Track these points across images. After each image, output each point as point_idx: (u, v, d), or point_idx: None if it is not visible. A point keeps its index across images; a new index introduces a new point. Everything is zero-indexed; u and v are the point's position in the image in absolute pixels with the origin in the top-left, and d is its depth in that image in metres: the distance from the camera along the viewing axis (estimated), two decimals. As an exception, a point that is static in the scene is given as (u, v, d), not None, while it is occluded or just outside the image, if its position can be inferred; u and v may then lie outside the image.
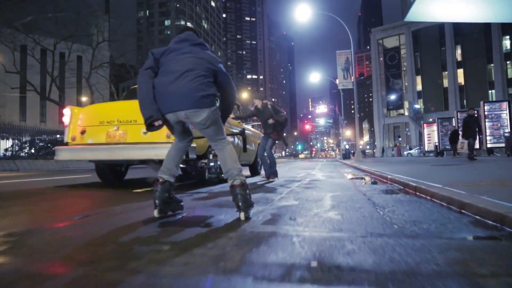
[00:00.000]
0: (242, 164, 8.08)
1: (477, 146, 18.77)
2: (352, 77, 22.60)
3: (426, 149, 25.61)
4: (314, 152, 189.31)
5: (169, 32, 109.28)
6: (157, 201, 2.85)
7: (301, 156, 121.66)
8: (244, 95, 60.11)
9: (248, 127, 9.13)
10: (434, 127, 24.04)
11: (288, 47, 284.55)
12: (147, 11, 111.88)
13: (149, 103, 2.75)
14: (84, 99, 41.59)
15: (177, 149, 3.06)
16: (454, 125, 19.95)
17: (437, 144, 22.36)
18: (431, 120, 43.47)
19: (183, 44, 2.98)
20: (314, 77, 40.31)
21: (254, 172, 9.40)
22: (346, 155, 36.08)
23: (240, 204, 2.78)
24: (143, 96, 2.79)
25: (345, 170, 12.31)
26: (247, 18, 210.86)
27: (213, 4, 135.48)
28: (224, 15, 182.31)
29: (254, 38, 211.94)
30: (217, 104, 2.97)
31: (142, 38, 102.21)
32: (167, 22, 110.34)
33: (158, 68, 2.91)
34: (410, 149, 45.16)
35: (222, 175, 3.15)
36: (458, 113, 19.18)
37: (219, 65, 3.00)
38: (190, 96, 2.74)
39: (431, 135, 24.66)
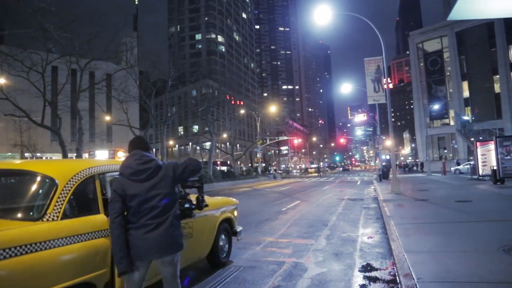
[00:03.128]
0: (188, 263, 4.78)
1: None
2: (385, 86, 18.66)
3: (481, 172, 20.98)
4: (353, 163, 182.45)
5: (200, 46, 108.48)
6: None
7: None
8: (274, 108, 56.64)
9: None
10: (491, 146, 19.50)
11: (324, 55, 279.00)
12: (178, 26, 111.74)
13: (124, 257, 2.92)
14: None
15: None
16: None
17: (495, 168, 17.89)
18: (476, 127, 38.19)
19: (145, 185, 2.99)
20: (346, 88, 36.59)
21: (215, 261, 5.69)
22: (384, 175, 31.70)
23: None
24: (118, 250, 2.92)
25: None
26: (281, 28, 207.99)
27: (244, 16, 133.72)
28: (257, 26, 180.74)
29: (288, 48, 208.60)
30: None
31: (174, 53, 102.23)
32: (198, 36, 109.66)
33: (127, 207, 2.99)
34: (458, 164, 39.87)
35: None
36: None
37: (176, 173, 3.10)
38: (171, 243, 3.00)
39: (487, 156, 20.08)
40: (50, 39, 23.05)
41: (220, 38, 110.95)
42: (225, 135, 60.60)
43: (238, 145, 78.46)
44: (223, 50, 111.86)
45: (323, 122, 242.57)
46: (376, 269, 5.38)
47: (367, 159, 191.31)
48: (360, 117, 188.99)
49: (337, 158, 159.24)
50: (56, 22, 21.22)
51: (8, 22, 22.72)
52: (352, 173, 74.24)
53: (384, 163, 36.71)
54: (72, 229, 3.11)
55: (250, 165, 65.91)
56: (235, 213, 6.41)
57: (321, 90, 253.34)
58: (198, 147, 69.34)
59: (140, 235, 2.95)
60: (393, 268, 5.31)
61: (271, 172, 63.48)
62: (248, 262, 5.97)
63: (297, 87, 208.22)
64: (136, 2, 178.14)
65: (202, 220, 5.08)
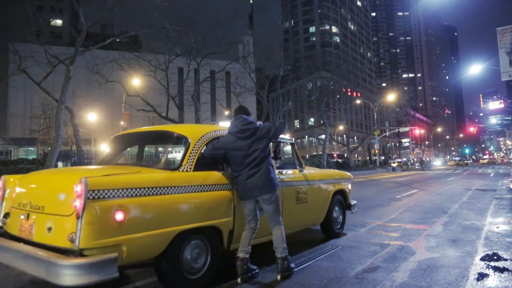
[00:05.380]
0: (291, 231, 5.05)
1: None
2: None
3: None
4: (488, 156, 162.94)
5: (314, 39, 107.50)
6: (239, 271, 3.75)
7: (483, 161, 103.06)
8: (392, 97, 53.38)
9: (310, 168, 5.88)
10: None
11: (450, 38, 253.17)
12: (292, 21, 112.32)
13: None
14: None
15: (248, 233, 3.90)
16: None
17: None
18: None
19: (247, 142, 3.90)
20: (475, 69, 32.48)
21: (329, 231, 5.91)
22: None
23: (279, 269, 3.86)
24: None
25: None
26: (400, 13, 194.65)
27: (359, 3, 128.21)
28: (374, 14, 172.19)
29: (408, 33, 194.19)
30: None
31: (287, 48, 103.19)
32: (312, 29, 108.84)
33: (227, 157, 3.99)
34: None
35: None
36: None
37: (267, 134, 4.02)
38: (267, 185, 3.87)
39: None
40: (171, 40, 25.17)
41: (334, 29, 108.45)
42: (341, 127, 59.22)
43: (355, 137, 76.06)
44: (338, 40, 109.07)
45: (449, 112, 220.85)
46: (505, 259, 4.44)
47: (504, 151, 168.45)
48: (495, 105, 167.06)
49: (467, 151, 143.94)
50: (173, 19, 22.89)
51: (137, 26, 25.50)
52: (484, 166, 66.19)
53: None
54: (202, 179, 3.72)
55: (368, 157, 63.10)
56: (349, 186, 6.49)
57: (447, 77, 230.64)
58: (314, 139, 69.21)
59: (243, 181, 3.84)
60: (529, 259, 4.30)
61: (391, 164, 59.95)
62: (347, 242, 5.54)
63: (419, 75, 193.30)
64: (251, 1, 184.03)
65: (316, 188, 5.43)
